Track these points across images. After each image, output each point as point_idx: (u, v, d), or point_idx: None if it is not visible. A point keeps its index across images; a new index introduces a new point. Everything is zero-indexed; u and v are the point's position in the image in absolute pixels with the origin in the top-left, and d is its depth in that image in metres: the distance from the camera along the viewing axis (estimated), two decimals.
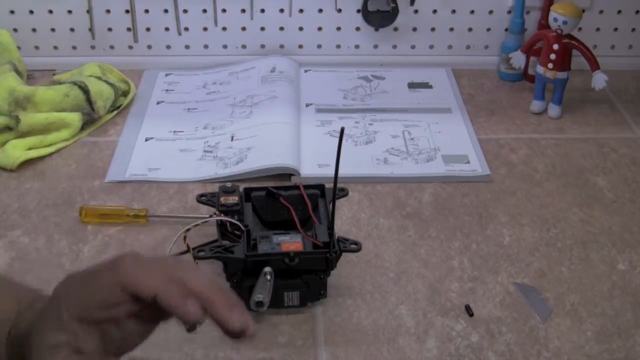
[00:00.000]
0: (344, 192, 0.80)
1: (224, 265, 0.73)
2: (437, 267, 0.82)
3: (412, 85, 1.15)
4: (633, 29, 1.20)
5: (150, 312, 0.51)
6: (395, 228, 0.87)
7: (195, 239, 0.76)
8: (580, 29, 1.09)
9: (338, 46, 1.20)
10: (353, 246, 0.74)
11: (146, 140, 1.02)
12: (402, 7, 1.16)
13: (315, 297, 0.75)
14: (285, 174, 0.94)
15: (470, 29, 1.19)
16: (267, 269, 0.70)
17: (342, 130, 0.61)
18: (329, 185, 0.77)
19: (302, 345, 0.72)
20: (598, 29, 1.19)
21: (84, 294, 0.49)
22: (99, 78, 1.06)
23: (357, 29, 1.19)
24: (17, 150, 0.96)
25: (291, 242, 0.72)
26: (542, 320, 0.75)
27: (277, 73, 1.14)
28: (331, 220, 0.71)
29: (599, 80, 1.04)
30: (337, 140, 0.62)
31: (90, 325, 0.49)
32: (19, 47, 1.13)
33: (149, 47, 1.19)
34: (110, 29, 1.17)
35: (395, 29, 1.19)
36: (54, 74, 1.15)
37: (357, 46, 1.21)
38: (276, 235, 0.73)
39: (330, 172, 0.67)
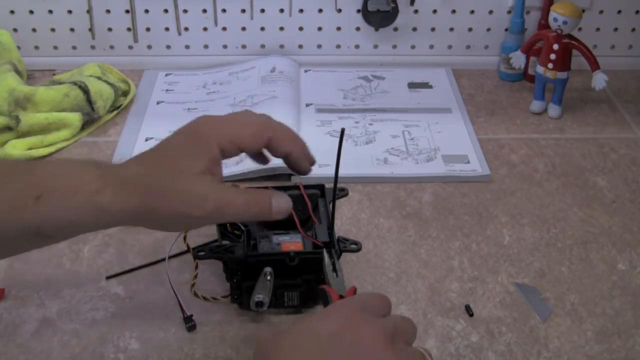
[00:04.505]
0: (344, 192, 0.80)
1: (224, 265, 0.73)
2: (437, 267, 0.82)
3: (412, 85, 1.15)
4: (633, 29, 1.20)
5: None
6: (395, 228, 0.87)
7: (195, 239, 0.76)
8: (580, 29, 1.09)
9: (338, 46, 1.20)
10: (353, 246, 0.74)
11: (146, 140, 1.01)
12: (402, 7, 1.16)
13: (315, 297, 0.75)
14: (285, 174, 0.94)
15: (470, 29, 1.19)
16: (267, 269, 0.70)
17: (343, 131, 0.61)
18: (329, 185, 0.77)
19: None
20: (598, 29, 1.19)
21: (232, 130, 0.61)
22: (99, 78, 1.06)
23: (357, 29, 1.19)
24: (17, 150, 0.96)
25: (291, 242, 0.72)
26: (542, 320, 0.75)
27: (277, 73, 1.14)
28: (331, 220, 0.71)
29: (599, 80, 1.04)
30: (337, 140, 0.62)
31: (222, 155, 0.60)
32: (19, 47, 1.13)
33: (149, 47, 1.19)
34: (110, 29, 1.17)
35: (395, 29, 1.19)
36: (54, 74, 1.15)
37: (357, 46, 1.21)
38: (276, 235, 0.73)
39: (330, 172, 0.67)
